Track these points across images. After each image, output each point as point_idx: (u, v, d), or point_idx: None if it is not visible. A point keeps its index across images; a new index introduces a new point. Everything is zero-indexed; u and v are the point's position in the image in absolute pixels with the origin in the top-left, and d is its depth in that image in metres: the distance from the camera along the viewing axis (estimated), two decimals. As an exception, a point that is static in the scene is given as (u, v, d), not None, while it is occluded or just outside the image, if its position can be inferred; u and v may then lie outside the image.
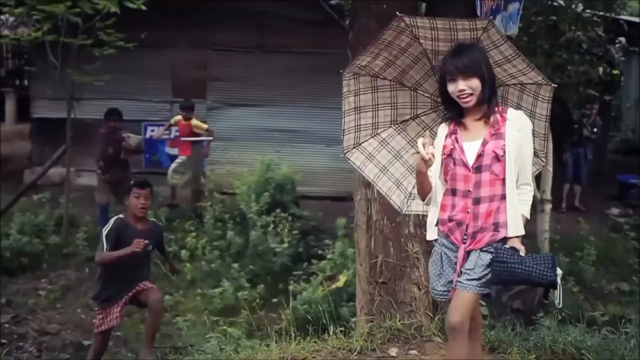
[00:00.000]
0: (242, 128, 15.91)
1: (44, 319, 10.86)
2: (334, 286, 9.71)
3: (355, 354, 5.57)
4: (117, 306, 7.42)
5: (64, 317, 10.89)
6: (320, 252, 11.61)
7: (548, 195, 11.80)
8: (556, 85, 4.22)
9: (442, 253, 4.32)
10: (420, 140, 4.08)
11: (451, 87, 4.17)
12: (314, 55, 15.19)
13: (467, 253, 4.22)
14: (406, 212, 4.81)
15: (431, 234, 4.38)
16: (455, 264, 4.26)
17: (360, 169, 4.75)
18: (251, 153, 14.93)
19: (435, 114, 4.63)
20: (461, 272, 4.23)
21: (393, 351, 5.75)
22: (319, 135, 15.08)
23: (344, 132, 4.63)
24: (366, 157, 4.71)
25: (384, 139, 4.68)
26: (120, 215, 7.45)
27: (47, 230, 12.92)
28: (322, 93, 15.00)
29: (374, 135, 4.67)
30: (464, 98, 4.15)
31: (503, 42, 4.12)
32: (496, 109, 4.25)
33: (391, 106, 4.60)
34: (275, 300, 10.58)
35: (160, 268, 9.47)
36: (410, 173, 4.69)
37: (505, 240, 4.20)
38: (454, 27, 4.11)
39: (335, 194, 14.72)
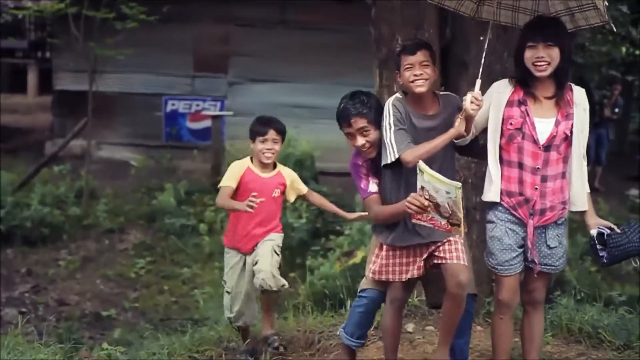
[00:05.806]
0: (262, 103, 15.83)
1: (63, 289, 10.98)
2: (351, 262, 9.73)
3: (372, 329, 5.58)
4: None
5: (83, 288, 11.01)
6: (338, 227, 11.63)
7: (568, 175, 11.73)
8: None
9: (507, 229, 4.28)
10: (469, 96, 4.03)
11: (529, 54, 4.13)
12: (336, 32, 15.16)
13: (535, 229, 4.26)
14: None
15: (493, 195, 4.30)
16: (523, 239, 4.28)
17: None
18: (271, 128, 14.94)
19: None
20: (538, 249, 4.27)
21: (410, 327, 5.77)
22: (339, 111, 14.98)
23: None
24: None
25: None
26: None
27: (67, 202, 13.05)
28: (343, 69, 14.96)
29: None
30: (540, 66, 4.12)
31: None
32: None
33: None
34: (292, 275, 10.61)
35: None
36: None
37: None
38: None
39: (354, 171, 14.69)
